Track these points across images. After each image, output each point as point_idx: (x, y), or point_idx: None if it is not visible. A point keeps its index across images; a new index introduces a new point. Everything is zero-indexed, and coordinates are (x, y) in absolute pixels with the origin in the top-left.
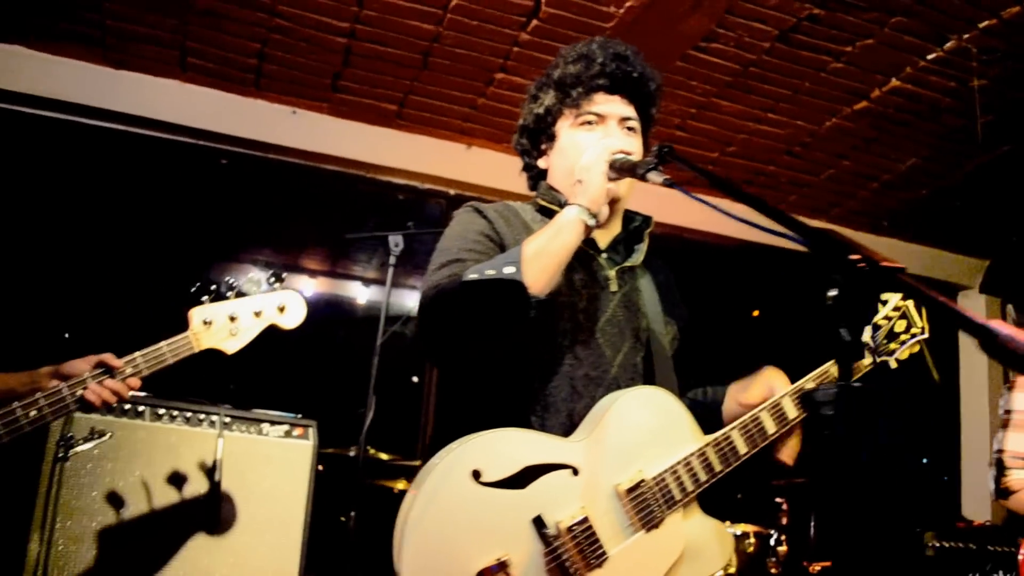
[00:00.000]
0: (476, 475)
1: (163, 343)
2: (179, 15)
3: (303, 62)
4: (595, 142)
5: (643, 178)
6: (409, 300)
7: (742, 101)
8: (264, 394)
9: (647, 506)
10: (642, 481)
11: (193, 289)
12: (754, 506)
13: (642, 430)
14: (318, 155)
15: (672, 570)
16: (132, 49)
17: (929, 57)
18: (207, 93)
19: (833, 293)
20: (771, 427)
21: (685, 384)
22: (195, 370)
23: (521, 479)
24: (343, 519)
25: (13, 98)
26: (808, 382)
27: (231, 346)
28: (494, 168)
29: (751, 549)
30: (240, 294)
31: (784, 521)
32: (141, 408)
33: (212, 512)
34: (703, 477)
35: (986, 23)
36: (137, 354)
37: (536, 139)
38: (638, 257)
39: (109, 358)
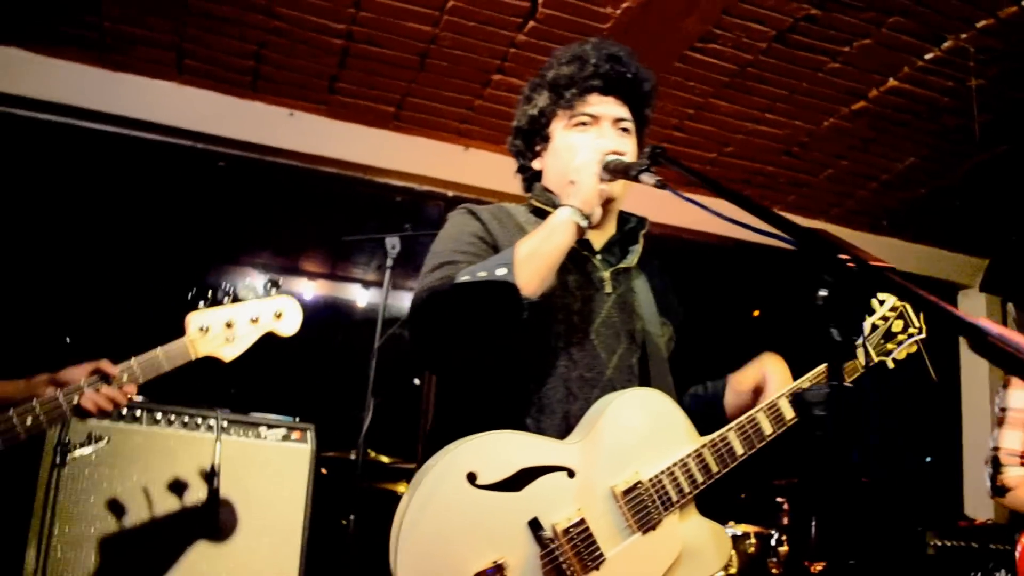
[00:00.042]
0: (472, 478)
1: (159, 349)
2: (176, 17)
3: (300, 64)
4: (588, 143)
5: (635, 179)
6: (408, 302)
7: (740, 102)
8: (264, 398)
9: (644, 508)
10: (639, 483)
11: (190, 295)
12: (755, 506)
13: (638, 431)
14: (316, 157)
15: (669, 572)
16: (129, 51)
17: (927, 57)
18: (204, 95)
19: (823, 293)
20: (768, 428)
21: (684, 384)
22: (194, 374)
23: (517, 481)
24: (344, 523)
25: (10, 101)
26: (805, 382)
27: (228, 353)
28: (492, 169)
29: (752, 550)
30: (237, 300)
31: (785, 521)
32: (138, 413)
33: (210, 517)
34: (700, 478)
35: (983, 23)
36: (133, 361)
37: (530, 140)
38: (633, 258)
39: (105, 365)
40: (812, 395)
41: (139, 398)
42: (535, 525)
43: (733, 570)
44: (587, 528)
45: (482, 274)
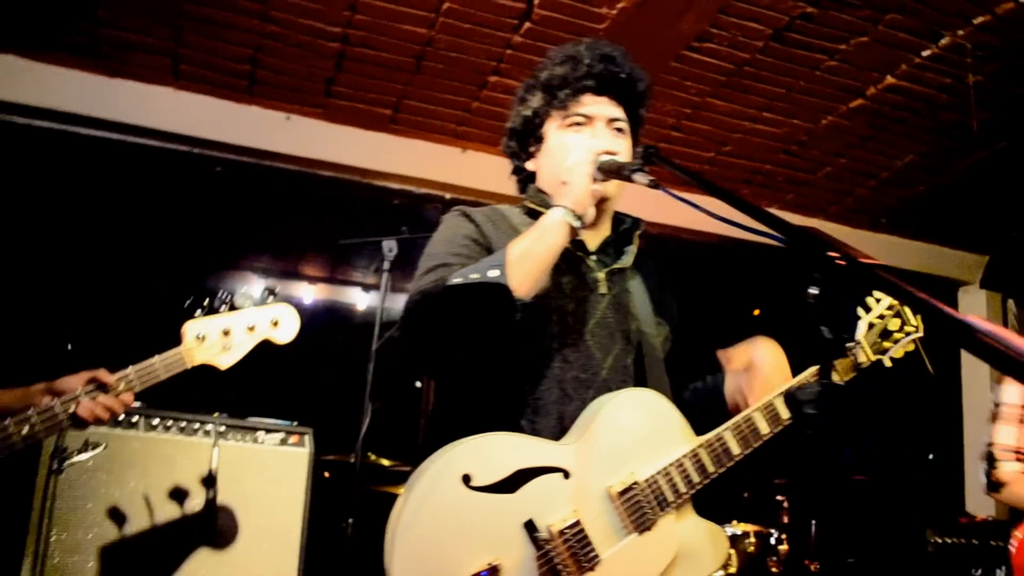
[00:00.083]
0: (466, 479)
1: (156, 358)
2: (171, 23)
3: (296, 68)
4: (581, 143)
5: (628, 179)
6: None
7: (737, 100)
8: (266, 403)
9: (640, 508)
10: (634, 483)
11: (187, 303)
12: (754, 505)
13: (633, 432)
14: (313, 161)
15: (666, 572)
16: (125, 57)
17: (924, 54)
18: (201, 100)
19: (814, 291)
20: (764, 428)
21: (683, 383)
22: (195, 380)
23: (512, 483)
24: (344, 526)
25: (6, 108)
26: (801, 381)
27: (224, 361)
28: (490, 171)
29: (752, 549)
30: (233, 308)
31: (785, 520)
32: (135, 419)
33: (209, 522)
34: (696, 478)
35: (980, 19)
36: (130, 369)
37: (524, 141)
38: (628, 259)
39: (102, 374)
40: (803, 394)
41: (136, 404)
42: (530, 526)
43: (733, 569)
44: (582, 529)
45: (474, 276)
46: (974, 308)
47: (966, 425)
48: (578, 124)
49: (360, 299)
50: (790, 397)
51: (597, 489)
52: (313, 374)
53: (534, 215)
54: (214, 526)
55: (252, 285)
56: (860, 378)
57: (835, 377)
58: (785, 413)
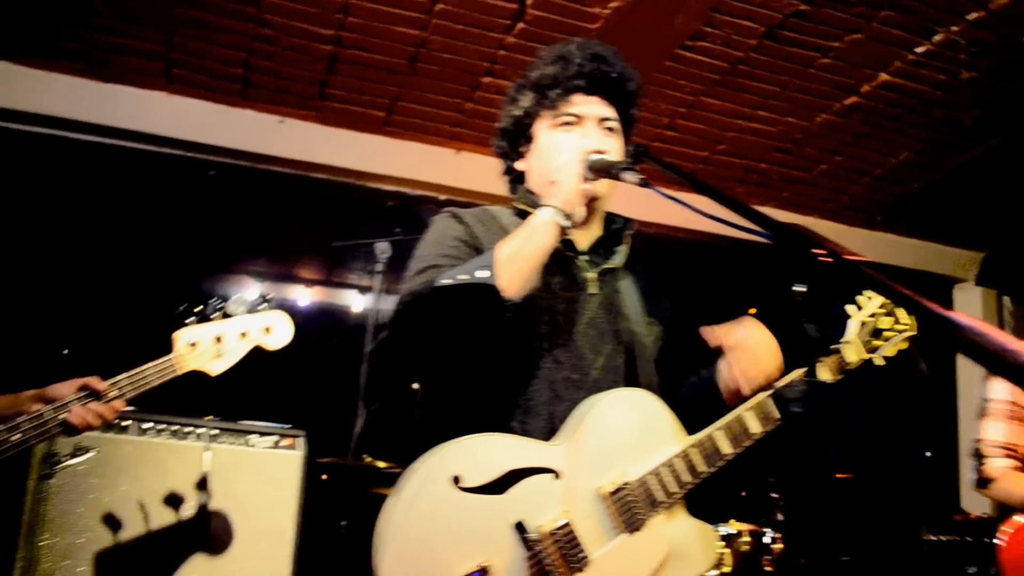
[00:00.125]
0: (456, 480)
1: (148, 365)
2: (163, 27)
3: (289, 71)
4: (571, 142)
5: (618, 178)
6: None
7: (731, 99)
8: (261, 406)
9: (630, 508)
10: (625, 483)
11: (179, 311)
12: (748, 504)
13: (624, 432)
14: (307, 164)
15: (656, 573)
16: (118, 62)
17: (918, 50)
18: (194, 104)
19: (800, 289)
20: (755, 427)
21: (676, 382)
22: (189, 384)
23: (501, 484)
24: (339, 528)
25: (0, 114)
26: (792, 380)
27: (216, 367)
28: (484, 172)
29: (746, 548)
30: (226, 315)
31: (779, 518)
32: (126, 423)
33: (201, 525)
34: (687, 478)
35: (974, 15)
36: (122, 377)
37: (514, 141)
38: (618, 259)
39: (94, 381)
40: (788, 392)
41: (128, 408)
42: (520, 527)
43: (727, 568)
44: (572, 530)
45: (463, 276)
46: (969, 305)
47: (961, 423)
48: (568, 124)
49: (356, 301)
50: (777, 395)
51: (587, 489)
52: (309, 377)
53: (524, 215)
54: (207, 530)
55: (248, 289)
56: (856, 376)
57: (826, 375)
58: (776, 412)
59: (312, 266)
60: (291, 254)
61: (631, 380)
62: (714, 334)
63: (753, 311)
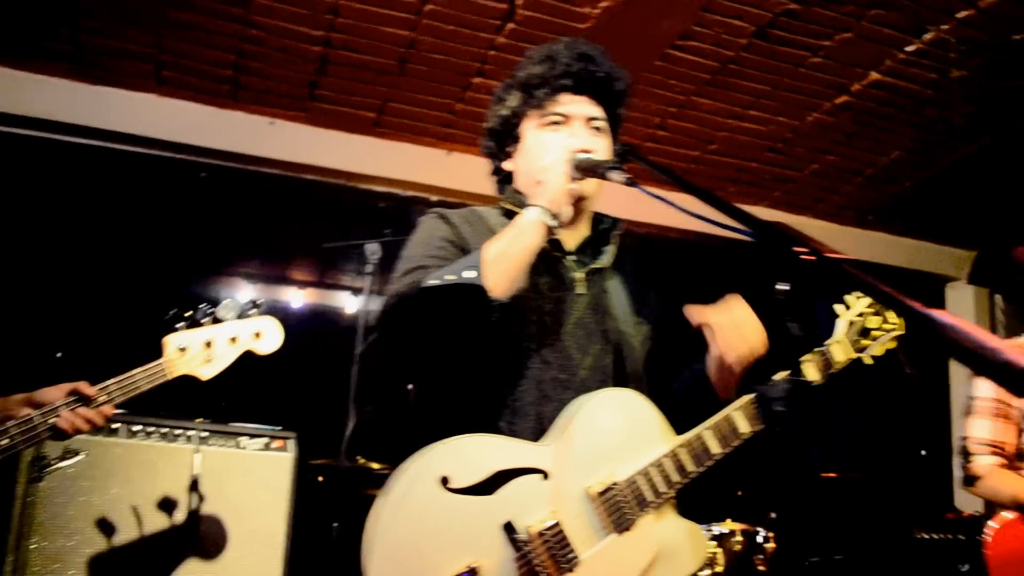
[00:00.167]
0: (444, 481)
1: (138, 370)
2: (153, 29)
3: (279, 72)
4: (557, 142)
5: (604, 177)
6: None
7: (722, 99)
8: (255, 408)
9: (619, 508)
10: (614, 483)
11: (168, 316)
12: (740, 503)
13: (612, 432)
14: (298, 165)
15: (646, 573)
16: (106, 64)
17: (908, 49)
18: (184, 106)
19: (783, 287)
20: (744, 427)
21: (668, 379)
22: (181, 388)
23: (490, 485)
24: (332, 530)
25: None
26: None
27: (206, 372)
28: (475, 173)
29: (738, 547)
30: (216, 320)
31: (772, 517)
32: (116, 425)
33: (192, 528)
34: (675, 478)
35: (964, 13)
36: (111, 382)
37: (502, 141)
38: (606, 259)
39: (83, 386)
40: (771, 391)
41: (118, 411)
42: (509, 528)
43: (720, 568)
44: (561, 530)
45: (450, 277)
46: (962, 303)
47: (954, 421)
48: (555, 123)
49: (349, 303)
50: (758, 395)
51: (576, 490)
52: (303, 379)
53: (511, 216)
54: (198, 532)
55: (240, 291)
56: (850, 375)
57: (814, 375)
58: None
59: (305, 268)
60: (283, 256)
61: (619, 380)
62: (698, 312)
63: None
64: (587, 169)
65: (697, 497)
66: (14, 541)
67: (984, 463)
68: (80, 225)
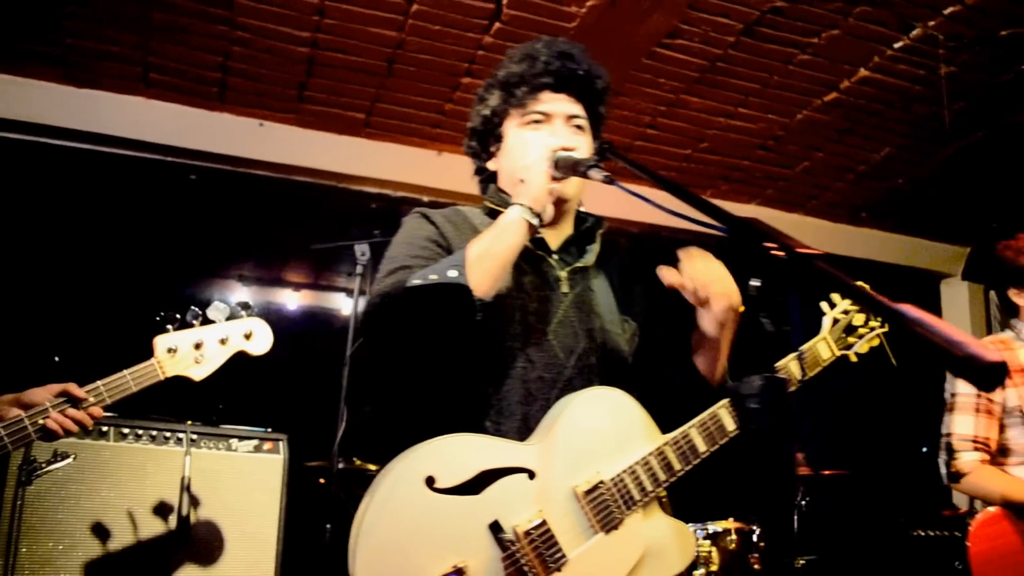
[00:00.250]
0: (430, 481)
1: (126, 372)
2: (139, 31)
3: (267, 74)
4: (539, 140)
5: (584, 175)
6: None
7: (711, 97)
8: (250, 411)
9: (606, 507)
10: (600, 482)
11: (158, 317)
12: (735, 502)
13: (598, 431)
14: (288, 167)
15: (633, 571)
16: (93, 67)
17: (896, 46)
18: (172, 109)
19: (755, 283)
20: (731, 425)
21: (657, 374)
22: (177, 391)
23: (476, 484)
24: (324, 531)
25: None
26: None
27: (197, 373)
28: (466, 174)
29: (733, 546)
30: (206, 321)
31: (767, 515)
32: (105, 428)
33: (183, 530)
34: (662, 476)
35: (951, 9)
36: (100, 383)
37: (484, 141)
38: (590, 257)
39: (72, 387)
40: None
41: (108, 413)
42: (496, 528)
43: (715, 567)
44: (548, 529)
45: (433, 276)
46: (956, 300)
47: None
48: (536, 122)
49: (344, 304)
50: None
51: (563, 489)
52: (299, 381)
53: (494, 215)
54: (189, 534)
55: (234, 294)
56: (848, 372)
57: (798, 372)
58: None
59: (299, 270)
60: (277, 258)
61: (605, 379)
62: (670, 273)
63: (742, 309)
64: (567, 168)
65: (691, 496)
66: (4, 545)
67: (969, 459)
68: (70, 229)
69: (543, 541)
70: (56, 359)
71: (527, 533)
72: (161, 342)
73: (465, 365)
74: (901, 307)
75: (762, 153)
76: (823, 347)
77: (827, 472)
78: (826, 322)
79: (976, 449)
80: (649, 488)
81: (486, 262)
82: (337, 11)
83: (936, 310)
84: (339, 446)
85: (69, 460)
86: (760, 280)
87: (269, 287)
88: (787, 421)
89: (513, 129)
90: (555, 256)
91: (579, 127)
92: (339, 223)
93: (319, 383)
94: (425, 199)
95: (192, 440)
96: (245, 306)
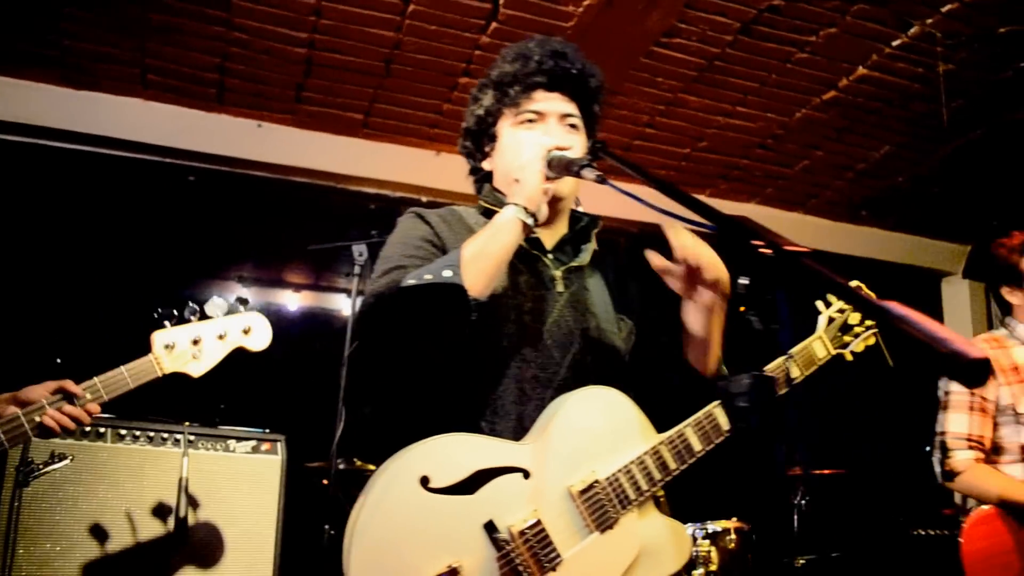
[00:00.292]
0: (424, 481)
1: (123, 368)
2: (137, 33)
3: (265, 74)
4: (533, 140)
5: (577, 175)
6: None
7: (710, 95)
8: (256, 411)
9: (601, 507)
10: (595, 482)
11: (156, 314)
12: (734, 501)
13: (593, 430)
14: (286, 168)
15: (628, 571)
16: (91, 69)
17: (894, 44)
18: (170, 110)
19: (744, 281)
20: (725, 423)
21: (658, 375)
22: (179, 392)
23: (471, 484)
24: (323, 532)
25: None
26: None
27: (195, 369)
28: (464, 173)
29: (732, 545)
30: (204, 317)
31: (766, 515)
32: (103, 429)
33: (181, 531)
34: (658, 476)
35: (948, 7)
36: (97, 379)
37: (479, 141)
38: (585, 257)
39: (68, 384)
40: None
41: (106, 415)
42: (490, 527)
43: (714, 567)
44: (543, 529)
45: (428, 276)
46: (957, 298)
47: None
48: (530, 121)
49: (345, 305)
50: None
51: (558, 488)
52: (301, 382)
53: (489, 215)
54: (187, 536)
55: (234, 295)
56: (850, 370)
57: (795, 371)
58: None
59: (299, 271)
60: (277, 259)
61: (600, 378)
62: (657, 258)
63: (743, 309)
64: (560, 167)
65: (687, 495)
66: (1, 547)
67: (963, 458)
68: (70, 231)
69: (538, 541)
70: (58, 361)
71: (522, 533)
72: (158, 338)
73: (460, 365)
74: (886, 304)
75: (761, 152)
76: (819, 346)
77: (827, 471)
78: (821, 321)
79: (970, 447)
80: (644, 487)
81: (481, 262)
82: (334, 12)
83: (937, 309)
84: (337, 447)
85: (67, 461)
86: (748, 278)
87: (269, 288)
88: (776, 420)
89: (507, 128)
90: (550, 255)
91: (573, 126)
92: (338, 223)
93: (319, 384)
94: (424, 199)
95: (190, 441)
96: (243, 301)
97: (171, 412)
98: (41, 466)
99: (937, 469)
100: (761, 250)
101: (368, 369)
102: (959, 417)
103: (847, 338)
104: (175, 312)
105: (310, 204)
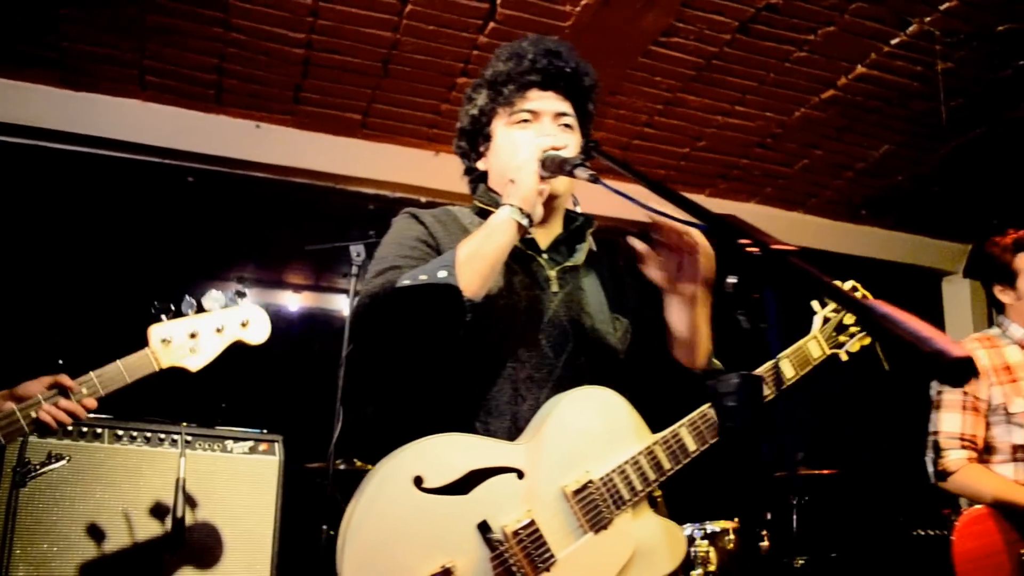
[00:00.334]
0: (418, 481)
1: (119, 362)
2: (135, 34)
3: (263, 75)
4: (528, 140)
5: (571, 174)
6: None
7: (708, 95)
8: (255, 412)
9: (595, 507)
10: (589, 482)
11: (153, 308)
12: (733, 502)
13: (588, 430)
14: (285, 168)
15: (623, 571)
16: (90, 70)
17: (893, 42)
18: (169, 111)
19: (732, 280)
20: None
21: (653, 374)
22: (177, 392)
23: (464, 484)
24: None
25: None
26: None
27: (193, 363)
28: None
29: (731, 546)
30: (201, 310)
31: (767, 516)
32: (100, 430)
33: (178, 532)
34: (652, 476)
35: (947, 5)
36: (92, 373)
37: (473, 141)
38: (580, 256)
39: (64, 379)
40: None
41: (103, 416)
42: (484, 528)
43: (712, 567)
44: (537, 529)
45: (423, 277)
46: (958, 298)
47: None
48: (525, 120)
49: (345, 306)
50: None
51: (552, 489)
52: (301, 382)
53: (484, 215)
54: (184, 536)
55: (220, 290)
56: (848, 370)
57: (788, 371)
58: None
59: (299, 271)
60: (277, 260)
61: (595, 378)
62: (639, 243)
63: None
64: (554, 167)
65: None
66: None
67: (956, 457)
68: (69, 233)
69: (532, 541)
70: (60, 362)
71: (515, 533)
72: (155, 332)
73: (454, 365)
74: (869, 303)
75: (760, 151)
76: (814, 346)
77: (826, 471)
78: (816, 320)
79: (963, 447)
80: (639, 488)
81: (476, 262)
82: (331, 12)
83: (938, 308)
84: (335, 447)
85: (63, 462)
86: (736, 277)
87: (269, 289)
88: (764, 419)
89: (501, 128)
90: (545, 255)
91: (567, 125)
92: (337, 224)
93: (318, 384)
94: (422, 199)
95: (187, 441)
96: (241, 294)
97: (168, 412)
98: (38, 466)
99: (930, 469)
100: (748, 249)
101: (364, 369)
102: (952, 417)
103: (842, 338)
104: (172, 306)
105: (309, 204)
